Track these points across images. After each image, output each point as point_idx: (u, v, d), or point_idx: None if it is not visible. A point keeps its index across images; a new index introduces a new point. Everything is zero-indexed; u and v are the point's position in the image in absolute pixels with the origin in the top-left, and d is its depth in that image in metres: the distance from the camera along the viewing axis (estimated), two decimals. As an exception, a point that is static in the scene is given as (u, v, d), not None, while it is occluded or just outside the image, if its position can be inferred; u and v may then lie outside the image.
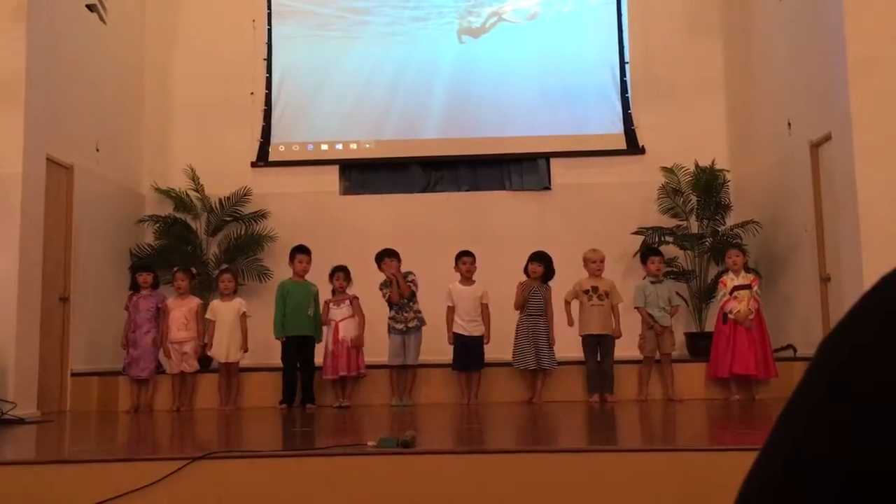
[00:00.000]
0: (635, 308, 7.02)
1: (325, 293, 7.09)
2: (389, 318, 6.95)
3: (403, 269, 7.01)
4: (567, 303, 6.92)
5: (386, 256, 6.96)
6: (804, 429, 0.51)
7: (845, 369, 0.51)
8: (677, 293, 7.53)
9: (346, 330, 6.89)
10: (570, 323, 6.87)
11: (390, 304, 6.96)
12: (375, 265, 7.04)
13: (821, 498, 0.48)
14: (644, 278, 7.18)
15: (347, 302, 6.96)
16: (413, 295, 6.97)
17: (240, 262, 8.51)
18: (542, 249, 7.05)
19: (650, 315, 6.92)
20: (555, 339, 6.86)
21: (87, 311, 7.50)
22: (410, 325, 6.90)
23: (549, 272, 6.96)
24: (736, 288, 6.84)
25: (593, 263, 7.00)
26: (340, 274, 7.01)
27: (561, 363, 7.03)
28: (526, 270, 6.99)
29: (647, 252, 7.35)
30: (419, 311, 6.97)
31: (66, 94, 7.36)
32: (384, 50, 9.30)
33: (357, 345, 6.87)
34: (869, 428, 0.47)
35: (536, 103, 9.06)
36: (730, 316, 6.78)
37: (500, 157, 9.12)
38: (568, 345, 7.14)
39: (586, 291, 6.93)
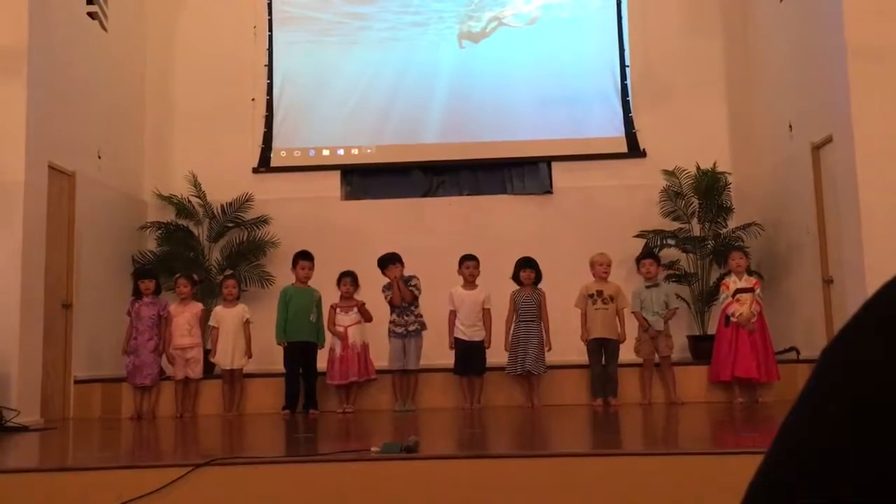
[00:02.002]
0: (632, 312, 7.02)
1: (329, 298, 7.09)
2: (390, 322, 6.96)
3: (407, 272, 7.02)
4: (583, 313, 6.92)
5: (389, 262, 6.98)
6: (807, 432, 0.52)
7: (848, 373, 0.51)
8: (678, 296, 7.53)
9: (354, 336, 6.90)
10: (584, 337, 6.88)
11: (392, 307, 6.97)
12: (377, 270, 7.05)
13: (824, 499, 0.48)
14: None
15: (355, 308, 6.97)
16: (415, 299, 6.98)
17: (242, 268, 8.51)
18: (528, 255, 7.05)
19: (645, 319, 6.92)
20: (551, 345, 6.86)
21: (89, 318, 7.50)
22: (411, 328, 6.91)
23: (538, 276, 6.99)
24: (738, 291, 6.84)
25: (600, 266, 7.00)
26: (348, 279, 7.01)
27: (564, 367, 7.03)
28: (517, 278, 6.98)
29: (641, 255, 7.34)
30: (420, 316, 6.98)
31: (67, 102, 7.37)
32: (385, 55, 9.31)
33: (366, 317, 6.92)
34: (871, 430, 0.48)
35: (537, 107, 9.07)
36: (732, 319, 6.77)
37: (501, 162, 9.12)
38: (571, 348, 7.14)
39: (591, 295, 6.92)
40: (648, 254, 7.32)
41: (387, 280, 7.01)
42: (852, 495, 0.47)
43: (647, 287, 7.03)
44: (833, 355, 0.53)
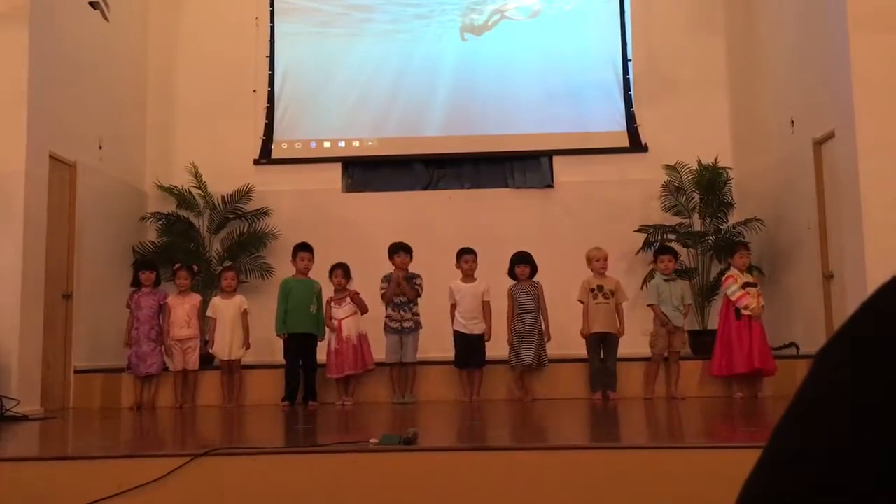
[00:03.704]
0: (648, 305, 7.01)
1: (329, 291, 7.09)
2: (386, 317, 6.95)
3: (410, 269, 7.01)
4: (584, 304, 6.92)
5: (400, 250, 6.96)
6: (804, 429, 0.52)
7: (845, 372, 0.51)
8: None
9: (350, 328, 6.90)
10: (585, 332, 6.87)
11: (384, 302, 6.94)
12: (377, 262, 7.05)
13: (820, 495, 0.48)
14: (652, 276, 7.18)
15: (348, 299, 6.97)
16: (417, 296, 6.97)
17: (242, 260, 8.52)
18: (523, 250, 7.04)
19: (664, 314, 6.91)
20: (550, 336, 6.87)
21: (90, 309, 7.51)
22: (405, 325, 6.90)
23: (534, 270, 6.98)
24: (745, 284, 6.85)
25: (597, 262, 7.00)
26: (339, 271, 7.01)
27: (564, 360, 7.03)
28: (513, 273, 6.97)
29: (659, 250, 7.35)
30: (417, 314, 6.96)
31: (69, 92, 7.36)
32: (387, 47, 9.30)
33: (360, 306, 6.87)
34: (867, 428, 0.48)
35: (539, 101, 9.06)
36: (744, 312, 6.76)
37: (502, 155, 9.12)
38: (571, 342, 7.14)
39: (592, 290, 6.93)
40: (668, 249, 7.31)
41: (387, 271, 7.00)
42: (849, 492, 0.47)
43: (666, 281, 7.03)
44: (829, 355, 0.53)
